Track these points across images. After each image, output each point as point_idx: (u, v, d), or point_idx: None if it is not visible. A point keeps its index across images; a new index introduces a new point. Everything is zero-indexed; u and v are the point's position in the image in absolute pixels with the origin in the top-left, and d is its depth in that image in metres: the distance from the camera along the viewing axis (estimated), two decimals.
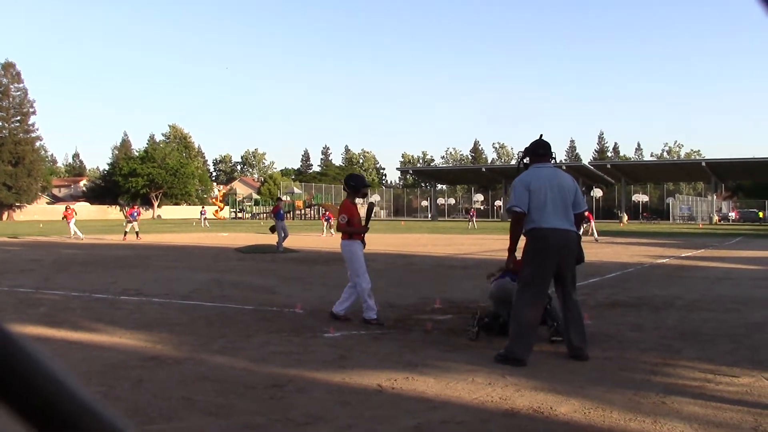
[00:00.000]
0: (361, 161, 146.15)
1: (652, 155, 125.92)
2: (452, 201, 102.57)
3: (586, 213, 29.46)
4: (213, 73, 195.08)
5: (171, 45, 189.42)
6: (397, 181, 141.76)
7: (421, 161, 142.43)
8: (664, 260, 18.32)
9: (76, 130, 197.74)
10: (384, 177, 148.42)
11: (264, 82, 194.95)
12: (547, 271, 6.08)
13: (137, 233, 28.81)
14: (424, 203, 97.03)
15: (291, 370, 5.66)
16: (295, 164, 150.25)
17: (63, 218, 30.47)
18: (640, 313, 8.83)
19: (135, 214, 30.07)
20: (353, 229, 8.44)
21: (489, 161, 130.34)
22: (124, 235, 29.15)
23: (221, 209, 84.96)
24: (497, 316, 7.25)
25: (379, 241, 27.12)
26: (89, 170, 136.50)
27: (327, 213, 36.65)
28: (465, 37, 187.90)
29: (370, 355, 6.30)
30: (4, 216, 79.68)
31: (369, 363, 5.98)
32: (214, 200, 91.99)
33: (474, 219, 50.32)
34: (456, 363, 5.91)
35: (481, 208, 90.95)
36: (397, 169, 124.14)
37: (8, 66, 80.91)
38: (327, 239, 29.44)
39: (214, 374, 5.56)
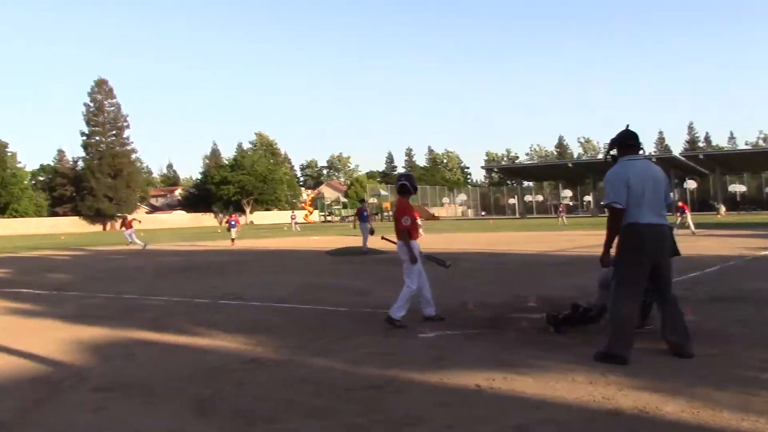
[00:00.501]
0: (444, 161, 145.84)
1: (746, 144, 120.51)
2: (540, 198, 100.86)
3: (681, 204, 28.63)
4: (296, 81, 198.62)
5: (256, 54, 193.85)
6: (483, 180, 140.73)
7: (505, 159, 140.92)
8: (766, 252, 17.52)
9: (169, 141, 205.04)
10: (469, 176, 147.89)
11: (346, 86, 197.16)
12: (644, 268, 5.90)
13: (232, 240, 29.71)
14: (512, 201, 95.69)
15: (388, 371, 5.70)
16: (380, 167, 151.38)
17: (122, 227, 31.69)
18: (744, 308, 8.47)
19: (234, 222, 31.32)
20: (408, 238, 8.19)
21: (575, 156, 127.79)
22: (232, 242, 30.07)
23: (311, 213, 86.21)
24: (576, 307, 7.15)
25: (467, 240, 27.00)
26: (183, 179, 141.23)
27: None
28: (542, 29, 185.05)
29: (467, 355, 6.27)
30: (108, 226, 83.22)
31: (466, 363, 5.95)
32: (303, 205, 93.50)
33: (564, 215, 49.46)
34: (554, 362, 5.81)
35: (570, 203, 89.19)
36: (481, 167, 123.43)
37: (101, 83, 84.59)
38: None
39: (312, 376, 5.66)
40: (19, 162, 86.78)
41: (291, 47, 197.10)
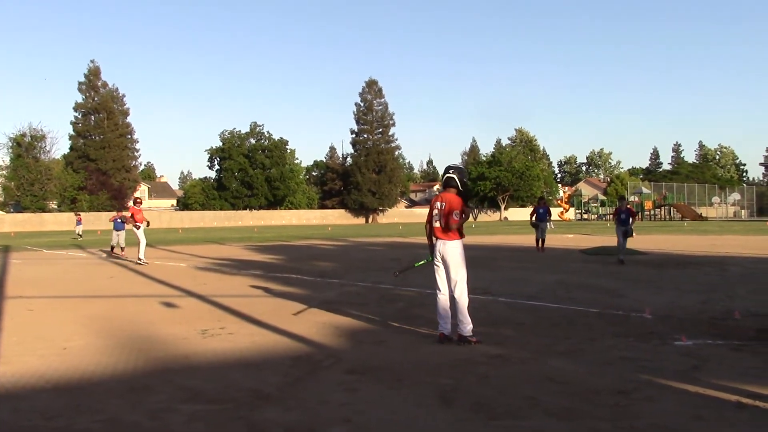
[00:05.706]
0: (717, 157, 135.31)
1: None
2: None
3: None
4: (556, 75, 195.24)
5: (510, 50, 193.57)
6: (761, 178, 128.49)
7: None
8: None
9: (430, 138, 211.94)
10: (745, 173, 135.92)
11: (609, 79, 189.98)
12: None
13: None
14: None
15: (638, 377, 5.43)
16: (644, 163, 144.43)
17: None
18: None
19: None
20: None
21: None
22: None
23: (566, 210, 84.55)
24: None
25: (738, 243, 24.87)
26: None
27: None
28: None
29: (728, 368, 5.77)
30: (370, 219, 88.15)
31: (726, 375, 5.47)
32: (559, 202, 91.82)
33: None
34: None
35: None
36: (760, 164, 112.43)
37: (371, 83, 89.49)
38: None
39: (557, 376, 5.54)
40: (297, 159, 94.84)
41: (548, 43, 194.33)
